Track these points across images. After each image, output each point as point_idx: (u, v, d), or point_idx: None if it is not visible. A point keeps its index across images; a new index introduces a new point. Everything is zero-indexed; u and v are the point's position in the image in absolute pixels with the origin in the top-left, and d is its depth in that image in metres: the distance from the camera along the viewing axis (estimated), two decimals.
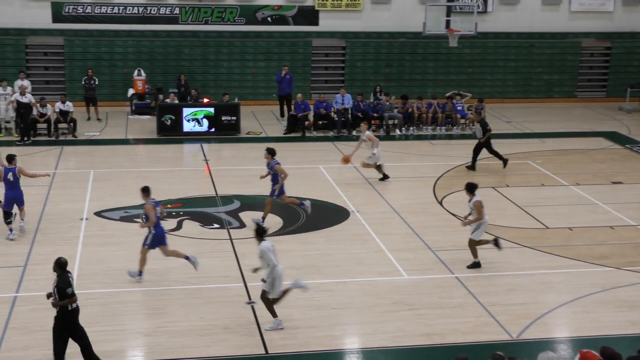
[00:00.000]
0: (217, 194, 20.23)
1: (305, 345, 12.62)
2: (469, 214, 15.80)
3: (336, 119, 27.06)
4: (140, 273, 14.76)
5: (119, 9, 30.28)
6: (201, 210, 18.93)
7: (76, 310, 11.49)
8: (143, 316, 13.56)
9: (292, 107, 27.46)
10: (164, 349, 12.39)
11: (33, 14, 29.90)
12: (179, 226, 17.87)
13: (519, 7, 32.81)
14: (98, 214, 18.48)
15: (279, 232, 17.66)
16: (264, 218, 17.79)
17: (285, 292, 13.13)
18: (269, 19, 31.28)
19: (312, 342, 12.72)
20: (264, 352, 12.41)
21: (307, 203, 18.21)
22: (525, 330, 13.25)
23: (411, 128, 27.54)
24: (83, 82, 28.18)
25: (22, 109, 25.08)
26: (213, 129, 26.37)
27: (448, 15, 28.42)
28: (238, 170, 22.06)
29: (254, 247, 16.56)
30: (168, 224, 17.85)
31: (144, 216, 16.00)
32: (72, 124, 25.95)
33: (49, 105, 25.88)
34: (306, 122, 27.02)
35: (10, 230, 16.81)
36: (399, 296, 14.47)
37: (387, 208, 19.34)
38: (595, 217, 19.08)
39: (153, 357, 12.24)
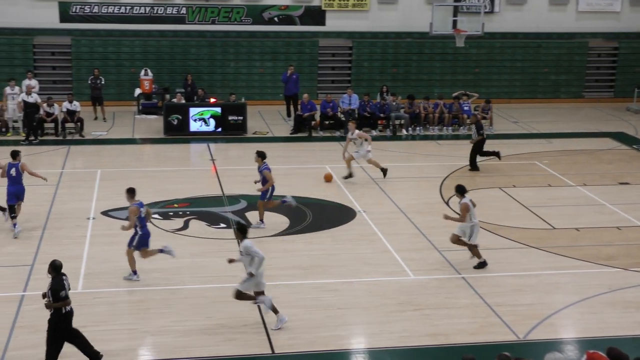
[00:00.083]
0: (223, 193, 20.25)
1: (311, 345, 12.63)
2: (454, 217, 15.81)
3: (343, 119, 27.06)
4: (134, 272, 14.80)
5: (126, 9, 30.34)
6: (208, 209, 18.95)
7: (70, 313, 11.46)
8: (150, 315, 13.58)
9: (299, 107, 27.48)
10: (171, 348, 12.41)
11: (40, 14, 29.98)
12: (185, 226, 17.90)
13: (526, 7, 32.76)
14: (105, 213, 18.51)
15: (285, 232, 17.67)
16: (261, 220, 17.80)
17: (253, 301, 13.18)
18: (275, 19, 31.30)
19: (318, 342, 12.72)
20: (270, 352, 12.42)
21: (289, 198, 18.08)
22: (532, 330, 13.23)
23: (418, 128, 27.52)
24: (89, 82, 28.24)
25: (28, 109, 25.14)
26: (220, 129, 26.40)
27: (455, 15, 28.42)
28: (245, 170, 22.05)
29: (261, 246, 16.60)
30: (175, 224, 17.91)
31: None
32: (79, 123, 26.01)
33: (56, 105, 25.94)
34: (313, 122, 27.03)
35: (14, 225, 16.93)
36: (406, 296, 14.47)
37: (393, 208, 19.33)
38: (602, 218, 19.04)
39: (160, 356, 12.26)
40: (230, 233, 17.49)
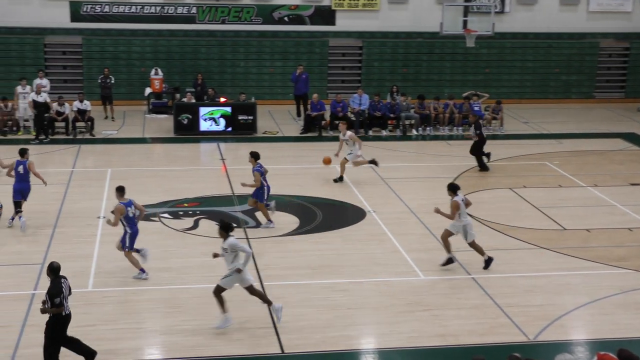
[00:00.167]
0: (233, 193, 20.26)
1: (320, 345, 12.61)
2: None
3: (353, 119, 27.04)
4: (142, 271, 14.85)
5: (136, 9, 30.40)
6: (218, 209, 18.96)
7: (68, 317, 11.42)
8: (159, 314, 13.59)
9: (309, 106, 27.47)
10: (180, 347, 12.42)
11: (52, 14, 30.08)
12: (195, 225, 17.91)
13: (537, 7, 32.67)
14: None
15: (295, 232, 17.67)
16: (270, 220, 17.78)
17: (265, 301, 13.17)
18: (285, 18, 31.31)
19: (327, 342, 12.71)
20: (280, 352, 12.41)
21: (272, 204, 18.01)
22: (543, 332, 13.18)
23: (428, 128, 27.47)
24: (99, 81, 28.32)
25: (38, 108, 25.22)
26: (230, 128, 26.42)
27: (465, 15, 28.34)
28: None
29: (270, 246, 16.71)
30: (185, 223, 17.92)
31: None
32: (89, 122, 26.08)
33: (67, 104, 26.01)
34: (322, 122, 27.02)
35: (20, 217, 17.14)
36: (415, 297, 14.45)
37: (403, 208, 19.30)
38: (613, 219, 18.97)
39: (169, 356, 12.27)
40: (240, 232, 17.48)
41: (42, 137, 25.06)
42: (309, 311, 13.68)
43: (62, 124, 25.89)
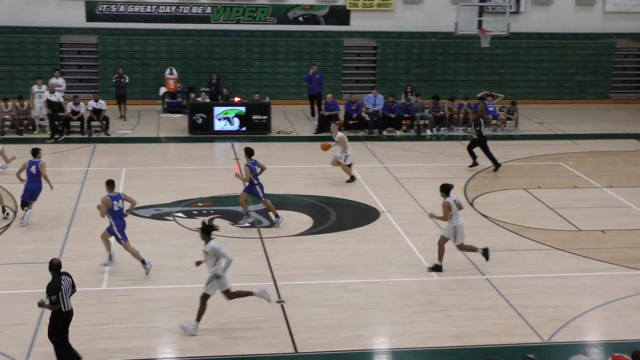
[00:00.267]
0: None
1: (334, 345, 12.61)
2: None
3: (367, 119, 27.03)
4: (143, 261, 14.96)
5: (151, 8, 30.49)
6: (232, 208, 18.98)
7: (69, 314, 11.43)
8: (173, 313, 13.61)
9: (323, 106, 27.47)
10: (193, 346, 12.44)
11: (67, 13, 30.21)
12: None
13: (552, 7, 32.53)
14: (130, 211, 18.56)
15: (309, 232, 17.67)
16: (277, 216, 17.81)
17: (248, 294, 13.04)
18: (300, 18, 31.32)
19: (341, 342, 12.70)
20: (293, 351, 12.42)
21: (252, 215, 17.97)
22: (557, 333, 13.13)
23: (442, 129, 27.41)
24: (114, 80, 28.43)
25: (52, 107, 25.35)
26: (244, 128, 26.46)
27: (480, 15, 28.27)
28: (269, 169, 22.03)
29: (284, 246, 16.72)
30: (199, 222, 17.86)
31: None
32: (104, 122, 26.18)
33: (82, 103, 26.12)
34: (337, 122, 26.98)
35: (26, 210, 17.38)
36: (429, 297, 14.42)
37: (417, 208, 19.26)
38: (628, 220, 18.86)
39: (182, 355, 12.31)
40: (253, 232, 17.52)
41: (57, 136, 25.18)
42: (323, 311, 13.68)
43: (77, 123, 25.99)
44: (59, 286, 11.27)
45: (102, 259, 15.52)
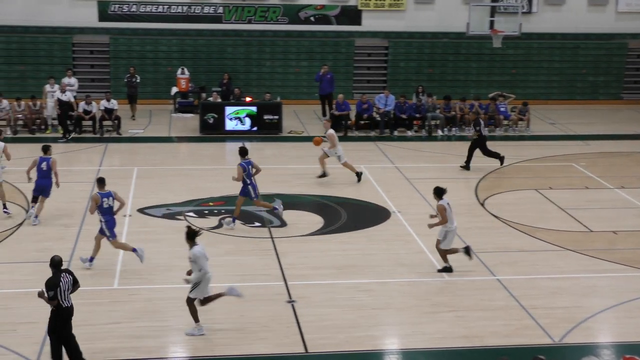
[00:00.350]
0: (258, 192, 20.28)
1: (344, 345, 12.62)
2: (435, 216, 15.55)
3: (379, 119, 27.02)
4: (134, 250, 15.12)
5: (163, 8, 30.57)
6: (243, 208, 18.97)
7: (67, 310, 11.45)
8: (184, 313, 13.61)
9: (334, 106, 27.47)
10: (204, 346, 12.48)
11: (80, 13, 30.33)
12: (220, 224, 17.97)
13: (564, 7, 32.43)
14: (141, 210, 18.67)
15: (320, 232, 17.68)
16: (271, 209, 17.82)
17: (218, 296, 12.98)
18: (311, 18, 31.33)
19: (351, 342, 12.71)
20: (304, 351, 12.43)
21: (232, 223, 17.75)
22: (568, 334, 13.09)
23: (453, 129, 27.37)
24: (125, 80, 28.52)
25: (62, 107, 25.45)
26: (255, 128, 26.49)
27: (492, 15, 28.19)
28: (280, 169, 22.12)
29: (294, 245, 16.75)
30: (210, 222, 17.99)
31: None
32: (116, 121, 26.27)
33: (94, 103, 26.21)
34: (348, 122, 27.02)
35: (32, 207, 17.69)
36: (440, 298, 14.41)
37: (428, 209, 19.19)
38: None
39: (193, 354, 12.33)
40: (264, 232, 17.55)
41: (67, 135, 25.28)
42: (333, 311, 13.69)
43: (89, 123, 26.09)
44: (57, 282, 11.34)
45: (114, 258, 15.59)
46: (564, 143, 26.32)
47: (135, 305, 13.77)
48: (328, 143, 21.05)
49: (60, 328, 11.39)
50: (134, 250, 15.14)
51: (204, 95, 28.98)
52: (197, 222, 17.97)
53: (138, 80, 28.37)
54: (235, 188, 20.31)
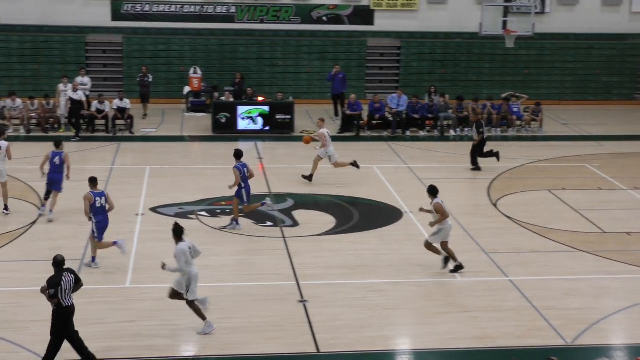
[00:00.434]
0: (270, 192, 20.31)
1: (356, 345, 12.60)
2: (430, 211, 15.46)
3: (391, 119, 26.99)
4: (115, 243, 15.26)
5: (176, 8, 30.65)
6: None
7: (69, 309, 11.45)
8: None
9: (346, 106, 27.46)
10: (216, 345, 12.48)
11: (93, 13, 30.45)
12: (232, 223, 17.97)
13: (578, 7, 32.32)
14: (153, 209, 18.71)
15: (332, 232, 17.68)
16: (236, 221, 17.61)
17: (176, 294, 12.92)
18: (324, 18, 31.33)
19: (363, 342, 12.69)
20: (316, 351, 12.42)
21: (269, 201, 17.87)
22: (581, 335, 13.04)
23: (466, 129, 27.29)
24: (138, 79, 28.60)
25: (73, 105, 25.55)
26: (267, 127, 26.51)
27: (505, 15, 28.13)
28: (292, 168, 22.11)
29: (306, 245, 16.74)
30: (222, 221, 18.00)
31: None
32: (129, 120, 26.34)
33: (107, 102, 26.29)
34: (360, 122, 27.00)
35: (44, 206, 18.02)
36: (452, 298, 14.38)
37: None
38: None
39: (204, 353, 12.34)
40: (276, 231, 17.55)
41: (78, 134, 25.37)
42: (345, 311, 13.68)
43: (102, 122, 26.17)
44: (59, 281, 11.37)
45: (128, 257, 15.62)
46: (577, 144, 26.23)
47: (147, 304, 13.80)
48: (320, 143, 20.94)
49: (62, 327, 11.41)
50: (114, 243, 15.24)
51: (216, 94, 29.03)
52: (209, 222, 18.00)
53: (150, 80, 28.45)
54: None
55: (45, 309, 13.32)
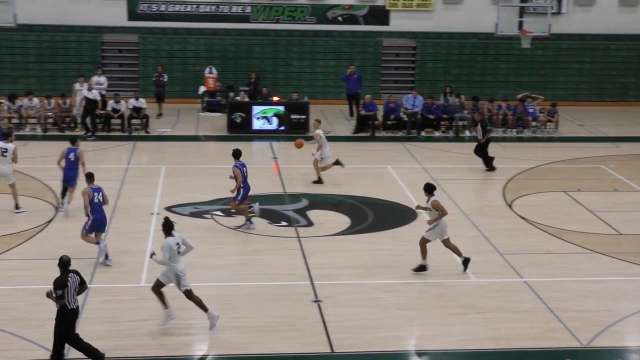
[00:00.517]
0: (285, 191, 20.34)
1: (370, 345, 12.59)
2: (426, 208, 15.41)
3: (406, 119, 26.96)
4: (97, 242, 15.38)
5: (192, 8, 30.73)
6: (269, 207, 19.04)
7: (74, 312, 11.48)
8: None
9: (361, 106, 27.44)
10: (230, 344, 12.51)
11: (109, 12, 30.56)
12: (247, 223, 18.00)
13: (595, 8, 32.16)
14: (168, 209, 18.75)
15: (347, 232, 17.67)
16: (249, 220, 17.56)
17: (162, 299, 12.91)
18: (339, 18, 31.32)
19: (377, 342, 12.68)
20: (330, 351, 12.42)
21: (256, 206, 17.79)
22: (596, 337, 12.97)
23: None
24: (153, 79, 28.70)
25: (88, 105, 25.65)
26: (282, 127, 26.52)
27: (521, 16, 28.06)
28: (306, 168, 22.10)
29: (321, 245, 16.74)
30: (237, 221, 18.03)
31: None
32: (144, 120, 26.43)
33: (122, 102, 26.39)
34: (375, 122, 26.98)
35: (63, 204, 18.19)
36: (466, 299, 14.34)
37: (455, 210, 19.12)
38: None
39: (218, 352, 12.37)
40: (291, 231, 17.56)
41: (88, 134, 25.43)
42: (360, 311, 13.67)
43: (118, 121, 26.27)
44: (65, 282, 11.39)
45: (142, 256, 15.67)
46: (593, 145, 26.11)
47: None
48: (316, 145, 20.91)
49: (64, 330, 11.43)
50: (97, 243, 15.38)
51: (231, 94, 29.08)
52: (224, 221, 18.04)
53: (165, 79, 28.53)
54: (260, 187, 20.39)
55: None
